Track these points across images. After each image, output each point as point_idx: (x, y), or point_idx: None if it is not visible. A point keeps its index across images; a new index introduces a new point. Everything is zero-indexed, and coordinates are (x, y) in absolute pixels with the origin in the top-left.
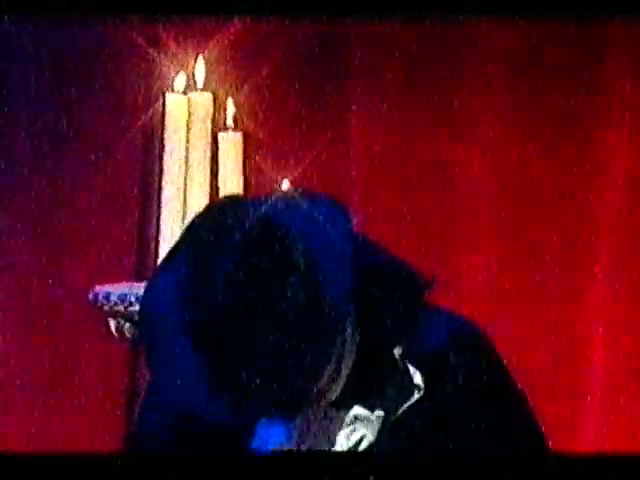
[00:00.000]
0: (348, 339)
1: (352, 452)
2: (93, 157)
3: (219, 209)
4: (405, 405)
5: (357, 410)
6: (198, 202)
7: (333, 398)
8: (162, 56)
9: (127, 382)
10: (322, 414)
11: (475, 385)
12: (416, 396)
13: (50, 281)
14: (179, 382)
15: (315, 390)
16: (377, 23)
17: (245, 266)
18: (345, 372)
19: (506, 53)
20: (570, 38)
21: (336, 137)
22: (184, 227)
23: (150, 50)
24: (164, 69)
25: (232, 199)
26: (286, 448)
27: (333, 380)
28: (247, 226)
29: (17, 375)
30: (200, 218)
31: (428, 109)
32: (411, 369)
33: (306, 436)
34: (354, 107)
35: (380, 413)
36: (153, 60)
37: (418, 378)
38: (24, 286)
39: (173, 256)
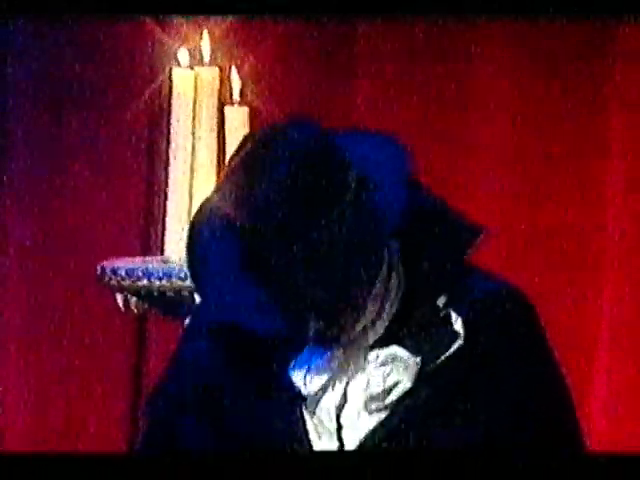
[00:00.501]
0: (393, 278)
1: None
2: (100, 133)
3: (282, 127)
4: (444, 355)
5: (395, 349)
6: (205, 176)
7: (373, 339)
8: (168, 31)
9: (135, 356)
10: (361, 352)
11: (517, 339)
12: (456, 345)
13: (57, 257)
14: (229, 291)
15: (358, 323)
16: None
17: (297, 178)
18: (388, 313)
19: (513, 51)
20: (577, 37)
21: (342, 111)
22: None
23: (155, 25)
24: (170, 44)
25: (296, 119)
26: (322, 377)
27: (375, 318)
28: (304, 143)
29: (23, 353)
30: (261, 133)
31: (435, 83)
32: (453, 316)
33: (342, 369)
34: (361, 80)
35: (418, 360)
36: (159, 35)
37: (459, 325)
38: (31, 263)
39: (231, 167)
